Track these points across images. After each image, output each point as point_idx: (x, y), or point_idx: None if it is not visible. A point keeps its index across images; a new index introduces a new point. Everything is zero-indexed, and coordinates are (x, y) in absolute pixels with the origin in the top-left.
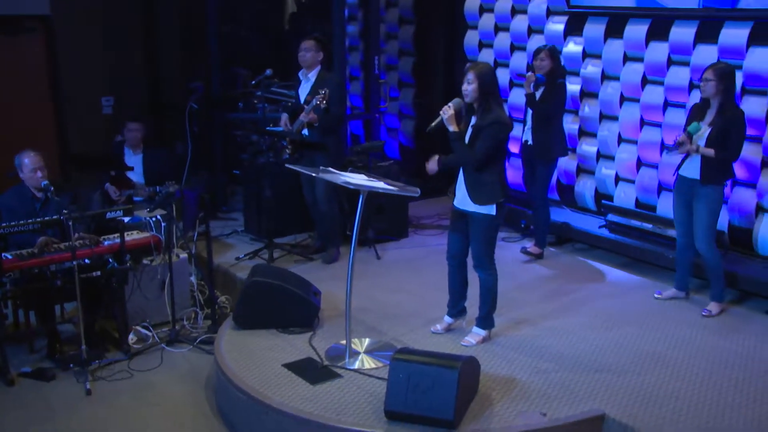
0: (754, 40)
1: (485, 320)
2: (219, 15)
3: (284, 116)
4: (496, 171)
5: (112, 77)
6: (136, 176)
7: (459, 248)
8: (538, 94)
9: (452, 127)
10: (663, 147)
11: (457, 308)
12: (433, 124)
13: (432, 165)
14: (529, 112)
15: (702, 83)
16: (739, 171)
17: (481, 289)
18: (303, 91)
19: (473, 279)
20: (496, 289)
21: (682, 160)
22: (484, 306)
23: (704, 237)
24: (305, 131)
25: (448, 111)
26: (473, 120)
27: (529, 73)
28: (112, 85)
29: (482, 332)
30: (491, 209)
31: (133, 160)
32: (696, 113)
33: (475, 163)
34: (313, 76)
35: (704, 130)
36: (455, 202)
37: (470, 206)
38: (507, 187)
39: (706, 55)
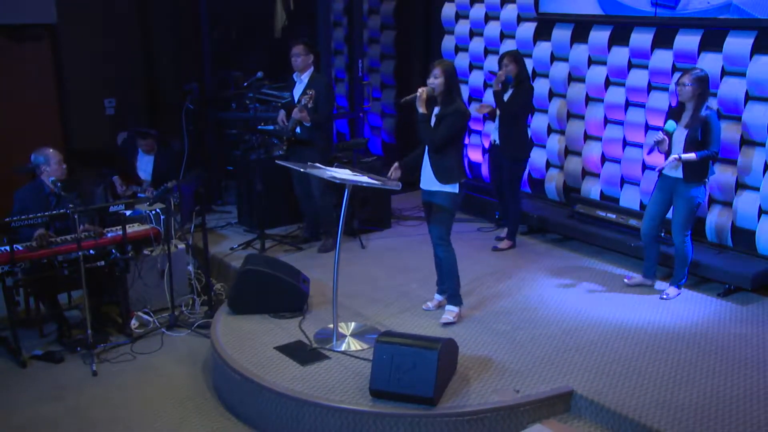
0: (704, 47)
1: (454, 297)
2: (211, 21)
3: (282, 113)
4: (456, 155)
5: (113, 80)
6: (144, 174)
7: None
8: (506, 96)
9: (421, 109)
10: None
11: (444, 284)
12: (407, 98)
13: (396, 173)
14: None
15: (679, 88)
16: None
17: (443, 269)
18: (297, 92)
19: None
20: (456, 266)
21: (665, 160)
22: (450, 285)
23: (681, 230)
24: (297, 129)
25: (422, 94)
26: (436, 110)
27: (499, 72)
28: (114, 87)
29: (455, 309)
30: (455, 188)
31: (145, 160)
32: (672, 116)
33: (435, 143)
34: (305, 77)
35: (681, 133)
36: (421, 184)
37: (435, 185)
38: (465, 170)
39: (663, 59)
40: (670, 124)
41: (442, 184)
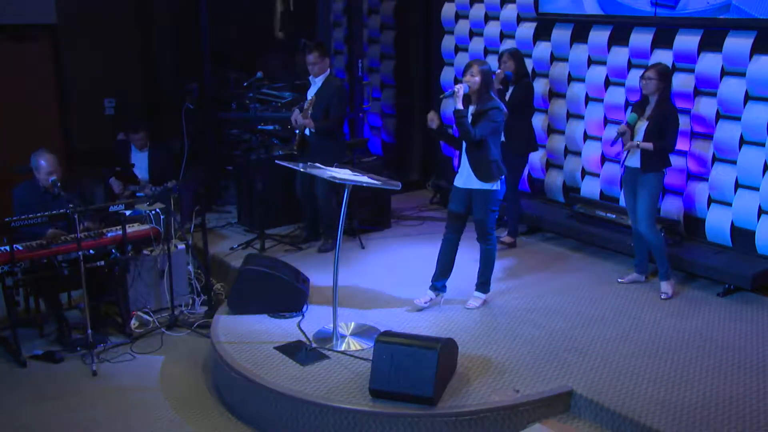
0: (704, 46)
1: (485, 285)
2: (211, 21)
3: (296, 112)
4: (495, 151)
5: (113, 80)
6: (140, 172)
7: (458, 227)
8: (508, 94)
9: (459, 105)
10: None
11: (441, 282)
12: (447, 94)
13: (434, 122)
14: None
15: (644, 81)
16: (693, 166)
17: (483, 259)
18: (310, 93)
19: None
20: (495, 257)
21: (626, 154)
22: (485, 272)
23: (645, 219)
24: (307, 131)
25: (459, 90)
26: (471, 108)
27: (498, 71)
28: (113, 87)
29: (483, 295)
30: (495, 185)
31: (139, 157)
32: (636, 109)
33: (475, 138)
34: (320, 80)
35: (642, 124)
36: (457, 182)
37: (475, 184)
38: (502, 166)
39: (663, 59)
40: (633, 117)
41: (481, 182)
